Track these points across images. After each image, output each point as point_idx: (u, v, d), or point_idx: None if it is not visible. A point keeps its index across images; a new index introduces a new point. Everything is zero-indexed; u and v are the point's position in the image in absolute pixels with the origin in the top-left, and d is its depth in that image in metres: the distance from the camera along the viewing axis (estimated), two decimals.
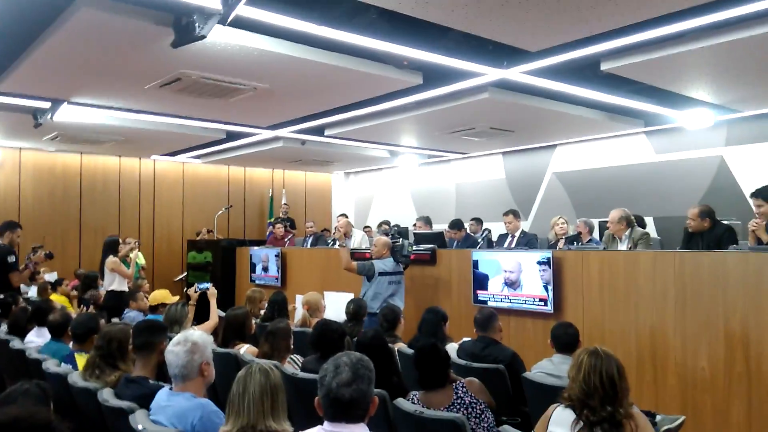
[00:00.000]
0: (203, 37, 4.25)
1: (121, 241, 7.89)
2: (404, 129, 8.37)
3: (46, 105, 6.67)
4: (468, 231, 8.06)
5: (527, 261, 5.75)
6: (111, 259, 7.26)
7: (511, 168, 10.52)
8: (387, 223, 9.60)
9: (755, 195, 4.86)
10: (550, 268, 5.53)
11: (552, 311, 5.51)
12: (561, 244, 6.56)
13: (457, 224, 7.66)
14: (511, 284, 5.86)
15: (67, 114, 6.86)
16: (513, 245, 6.74)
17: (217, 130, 8.48)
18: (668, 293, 4.83)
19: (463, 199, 11.16)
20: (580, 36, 4.69)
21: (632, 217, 5.82)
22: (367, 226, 11.05)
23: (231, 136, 8.93)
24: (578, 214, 8.86)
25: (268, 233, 11.29)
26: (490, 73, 5.76)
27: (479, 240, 6.95)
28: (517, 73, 5.72)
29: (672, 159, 8.52)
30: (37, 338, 4.73)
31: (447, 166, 11.49)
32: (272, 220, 11.82)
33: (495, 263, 6.03)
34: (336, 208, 13.33)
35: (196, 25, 4.21)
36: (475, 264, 6.18)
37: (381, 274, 6.12)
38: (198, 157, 11.00)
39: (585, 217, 7.48)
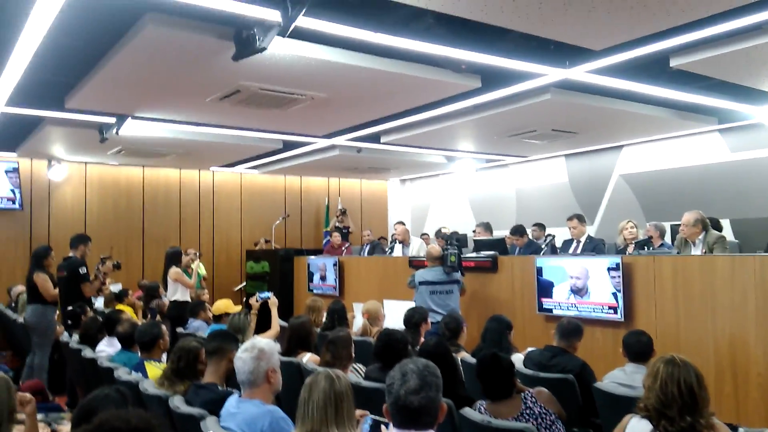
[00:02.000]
0: (264, 49, 4.27)
1: (182, 251, 8.07)
2: (462, 134, 8.25)
3: (111, 120, 6.88)
4: (530, 237, 7.87)
5: (595, 267, 5.55)
6: (174, 270, 7.42)
7: (574, 171, 10.16)
8: (439, 233, 9.45)
9: None
10: (619, 274, 5.31)
11: (622, 319, 5.29)
12: (631, 249, 6.29)
13: (518, 230, 7.48)
14: (578, 291, 5.66)
15: (131, 128, 7.06)
16: (579, 251, 6.52)
17: (275, 140, 8.56)
18: (748, 300, 4.57)
19: (525, 204, 10.89)
20: (647, 32, 4.48)
21: (707, 220, 5.54)
22: (425, 234, 10.96)
23: (287, 146, 9.02)
24: (647, 217, 8.47)
25: (324, 242, 11.35)
26: (551, 74, 5.59)
27: (542, 246, 6.76)
28: (580, 73, 5.53)
29: (749, 157, 8.03)
30: (107, 348, 4.86)
31: (506, 171, 11.25)
32: (328, 228, 11.90)
33: (560, 270, 5.83)
34: (392, 216, 13.30)
35: (257, 37, 4.24)
36: (539, 271, 6.00)
37: (422, 283, 6.03)
38: (255, 167, 11.15)
39: (655, 220, 7.17)
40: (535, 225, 8.45)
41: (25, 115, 6.83)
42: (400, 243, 8.58)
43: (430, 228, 11.85)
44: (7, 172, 9.39)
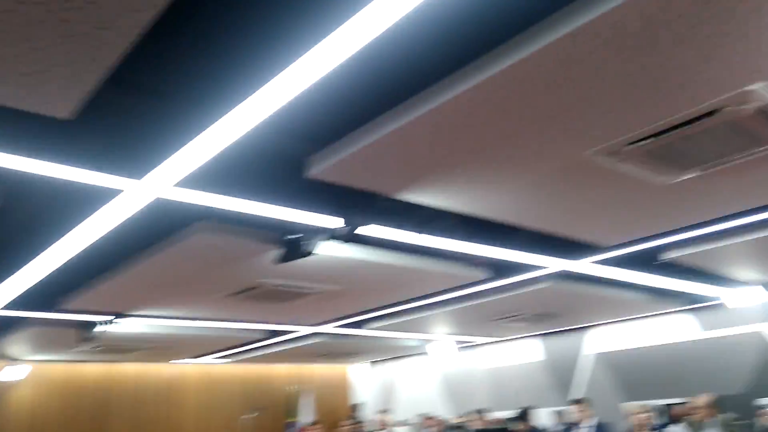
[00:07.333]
0: (310, 254, 4.35)
1: None
2: (450, 319, 8.33)
3: (106, 319, 6.53)
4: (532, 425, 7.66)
5: None
6: None
7: (549, 350, 10.30)
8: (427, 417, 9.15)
9: None
10: None
11: None
12: None
13: (522, 415, 7.37)
14: None
15: (121, 326, 6.73)
16: None
17: (263, 331, 8.34)
18: None
19: (498, 383, 10.86)
20: (653, 232, 4.96)
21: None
22: (385, 410, 10.62)
23: (272, 335, 8.76)
24: (627, 396, 8.59)
25: None
26: (555, 265, 5.94)
27: None
28: (585, 265, 5.92)
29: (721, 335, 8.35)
30: None
31: (479, 350, 11.27)
32: (293, 420, 11.24)
33: None
34: (357, 397, 12.81)
35: (301, 243, 4.33)
36: None
37: None
38: (225, 356, 10.63)
39: (635, 399, 7.21)
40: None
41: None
42: None
43: (398, 405, 11.48)
44: None
